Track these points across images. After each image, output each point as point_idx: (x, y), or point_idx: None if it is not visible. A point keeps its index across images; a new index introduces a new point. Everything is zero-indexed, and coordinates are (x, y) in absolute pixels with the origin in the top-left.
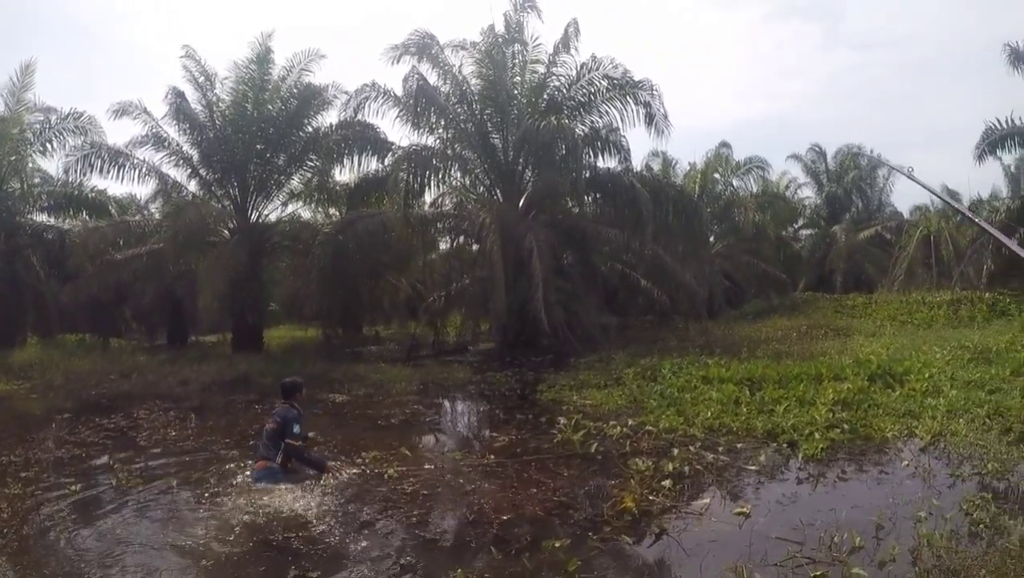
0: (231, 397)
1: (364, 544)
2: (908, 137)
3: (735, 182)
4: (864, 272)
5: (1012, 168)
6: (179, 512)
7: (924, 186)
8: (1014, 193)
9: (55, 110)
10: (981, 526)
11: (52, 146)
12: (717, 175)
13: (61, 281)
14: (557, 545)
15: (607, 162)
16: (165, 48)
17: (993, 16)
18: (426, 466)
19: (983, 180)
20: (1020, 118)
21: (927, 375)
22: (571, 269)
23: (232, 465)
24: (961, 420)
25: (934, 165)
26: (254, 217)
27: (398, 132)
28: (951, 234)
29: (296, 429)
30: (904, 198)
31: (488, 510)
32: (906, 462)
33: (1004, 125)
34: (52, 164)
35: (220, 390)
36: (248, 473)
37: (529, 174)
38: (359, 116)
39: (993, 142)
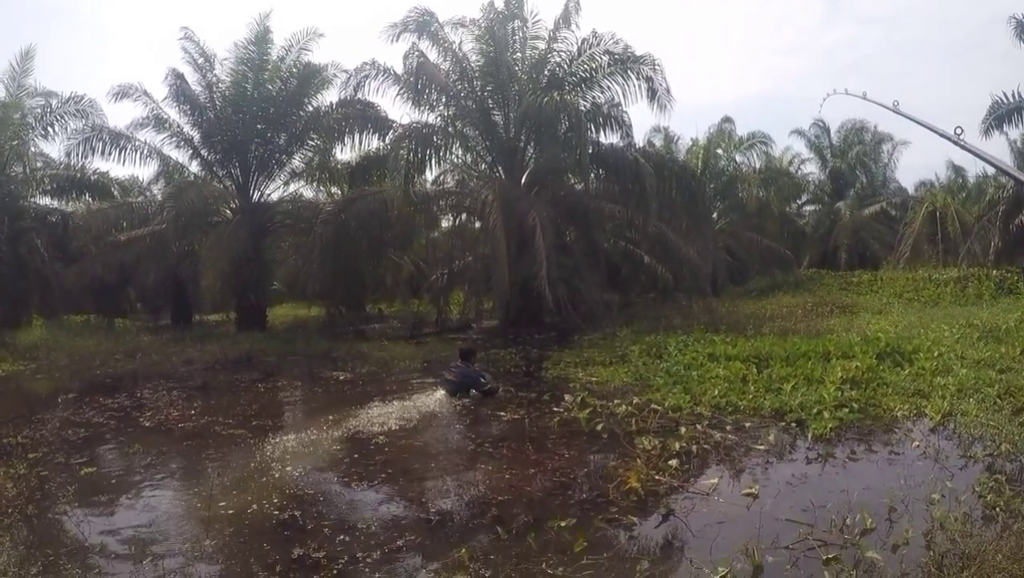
0: (235, 376)
1: (364, 523)
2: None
3: (738, 158)
4: (869, 248)
5: (1019, 143)
6: (185, 489)
7: (976, 153)
8: (1021, 167)
9: (56, 94)
10: (996, 509)
11: (54, 130)
12: (720, 151)
13: (65, 263)
14: (563, 524)
15: (609, 138)
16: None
17: None
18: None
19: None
20: None
21: (936, 353)
22: (573, 246)
23: (236, 442)
24: (971, 400)
25: (935, 140)
26: (256, 197)
27: (399, 110)
28: (957, 210)
29: (483, 380)
30: (909, 173)
31: (488, 491)
32: (916, 442)
33: (1011, 99)
34: (54, 148)
35: (224, 369)
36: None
37: (531, 151)
38: (359, 94)
39: (1000, 116)
